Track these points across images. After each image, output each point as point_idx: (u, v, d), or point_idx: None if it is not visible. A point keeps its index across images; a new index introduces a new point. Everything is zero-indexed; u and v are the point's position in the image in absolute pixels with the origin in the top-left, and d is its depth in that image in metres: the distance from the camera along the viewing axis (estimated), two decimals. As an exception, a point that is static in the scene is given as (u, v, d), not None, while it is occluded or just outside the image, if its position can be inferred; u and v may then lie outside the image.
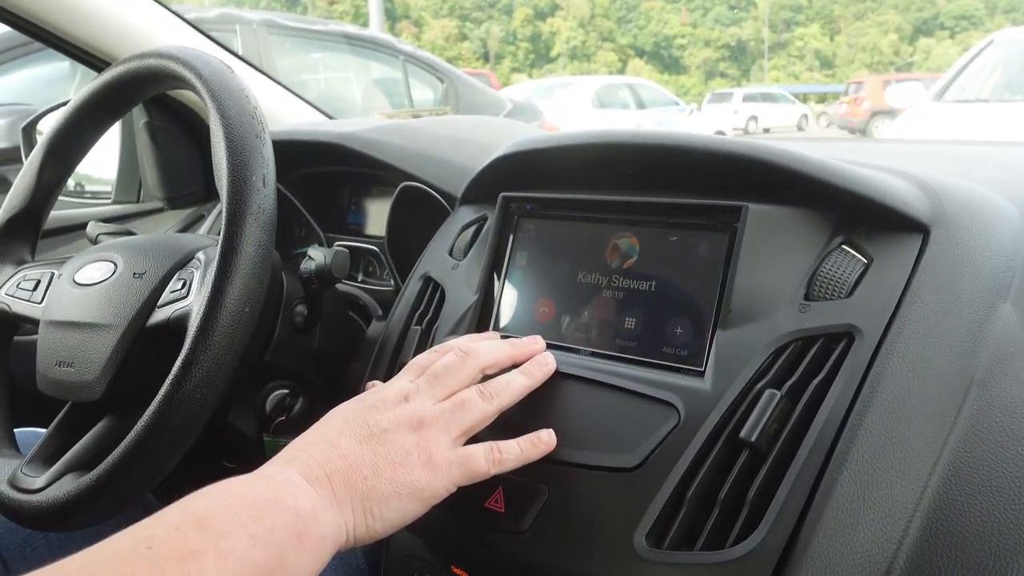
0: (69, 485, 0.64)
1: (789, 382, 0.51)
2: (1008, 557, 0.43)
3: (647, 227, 0.61)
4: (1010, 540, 0.43)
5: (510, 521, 0.54)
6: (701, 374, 0.54)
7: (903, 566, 0.45)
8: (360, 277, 1.05)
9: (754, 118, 19.49)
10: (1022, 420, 0.47)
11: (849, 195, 0.56)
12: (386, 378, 0.69)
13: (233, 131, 0.65)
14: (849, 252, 0.55)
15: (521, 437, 0.54)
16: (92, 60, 1.11)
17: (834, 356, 0.51)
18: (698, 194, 0.60)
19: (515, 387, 0.55)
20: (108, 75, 0.79)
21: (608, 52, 50.50)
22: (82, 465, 0.68)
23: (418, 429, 0.50)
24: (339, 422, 0.51)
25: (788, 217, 0.57)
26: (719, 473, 0.50)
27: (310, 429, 0.52)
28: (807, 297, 0.54)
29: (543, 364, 0.58)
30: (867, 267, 0.54)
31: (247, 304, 0.62)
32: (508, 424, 0.56)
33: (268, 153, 0.66)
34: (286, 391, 0.81)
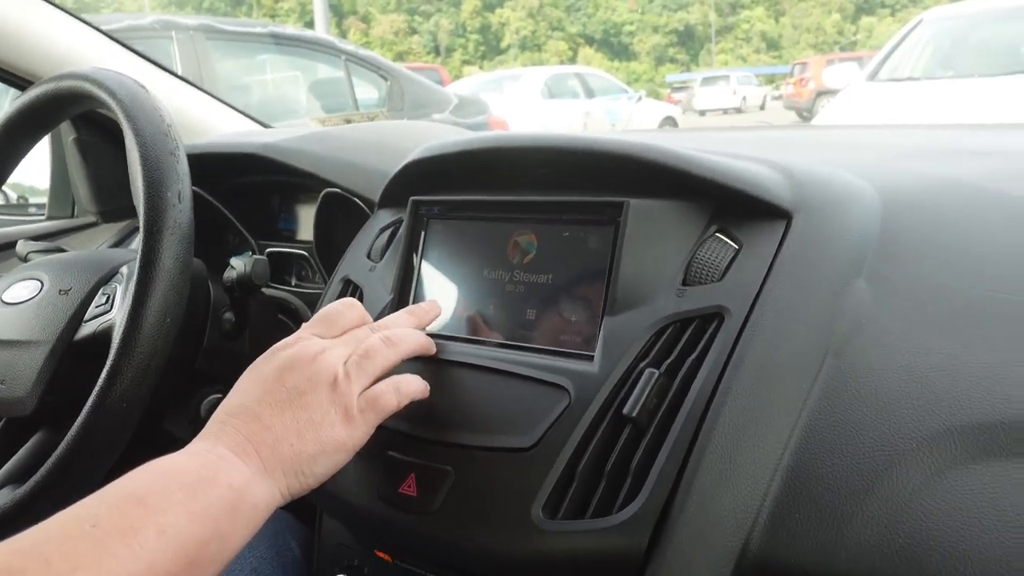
0: (4, 498, 0.67)
1: (667, 361, 0.56)
2: (851, 507, 0.48)
3: (543, 224, 0.66)
4: (853, 492, 0.49)
5: (422, 504, 0.59)
6: (591, 358, 0.59)
7: (765, 519, 0.50)
8: (294, 281, 1.08)
9: (744, 97, 22.23)
10: (869, 382, 0.53)
11: (720, 187, 0.61)
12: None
13: (147, 149, 0.68)
14: (721, 239, 0.61)
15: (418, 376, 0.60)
16: (15, 80, 1.12)
17: (707, 335, 0.56)
18: (588, 192, 0.64)
19: (413, 335, 0.60)
20: (28, 97, 0.81)
21: (558, 41, 50.59)
22: (17, 478, 0.71)
23: (333, 385, 0.53)
24: (258, 387, 0.53)
25: (666, 209, 0.62)
26: (606, 447, 0.55)
27: (231, 392, 0.54)
28: (684, 282, 0.59)
29: (430, 309, 0.65)
30: (737, 252, 0.60)
31: (167, 315, 0.65)
32: (420, 412, 0.60)
33: (183, 169, 0.69)
34: (219, 395, 0.84)
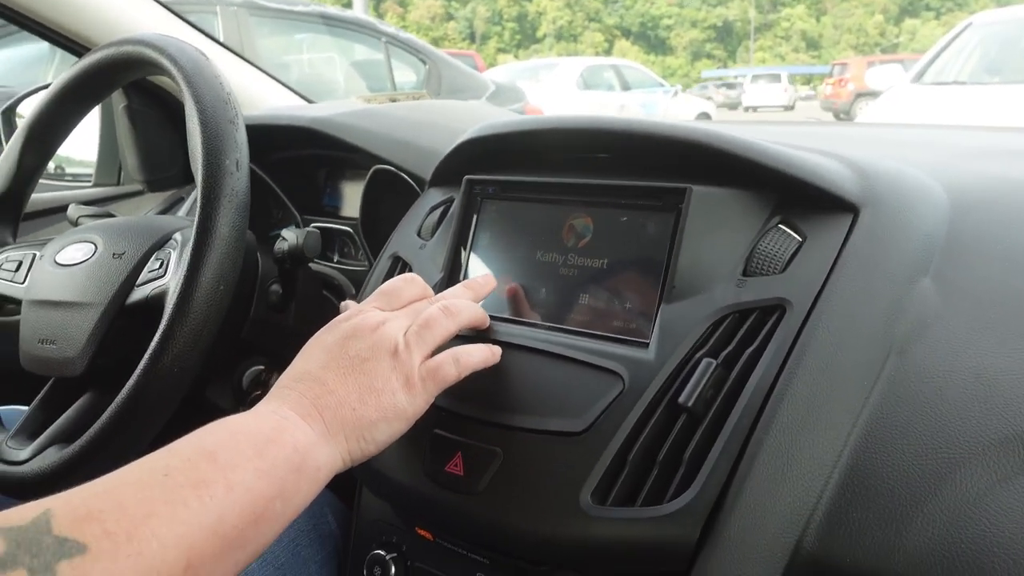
0: (52, 456, 0.68)
1: (725, 351, 0.55)
2: (911, 509, 0.47)
3: (600, 208, 0.65)
4: (914, 494, 0.48)
5: (468, 483, 0.58)
6: (646, 345, 0.58)
7: (821, 517, 0.49)
8: (336, 258, 1.08)
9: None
10: (933, 383, 0.51)
11: (786, 177, 0.59)
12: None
13: (207, 116, 0.68)
14: (785, 231, 0.59)
15: (482, 344, 0.60)
16: (71, 45, 1.13)
17: (767, 327, 0.55)
18: (647, 176, 0.63)
19: (470, 306, 0.61)
20: (86, 61, 0.81)
21: (595, 33, 50.26)
22: (65, 438, 0.71)
23: (394, 354, 0.54)
24: (322, 354, 0.55)
25: (729, 198, 0.61)
26: (659, 436, 0.54)
27: (296, 360, 0.56)
28: (745, 273, 0.58)
29: (486, 283, 0.65)
30: (801, 245, 0.58)
31: (221, 282, 0.65)
32: (469, 391, 0.60)
33: (241, 138, 0.69)
34: (262, 367, 0.85)
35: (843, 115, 14.74)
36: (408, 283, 0.61)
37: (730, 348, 0.55)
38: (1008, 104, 3.73)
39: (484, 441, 0.59)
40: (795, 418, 0.51)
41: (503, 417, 0.59)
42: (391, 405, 0.53)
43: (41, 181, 0.91)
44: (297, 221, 1.09)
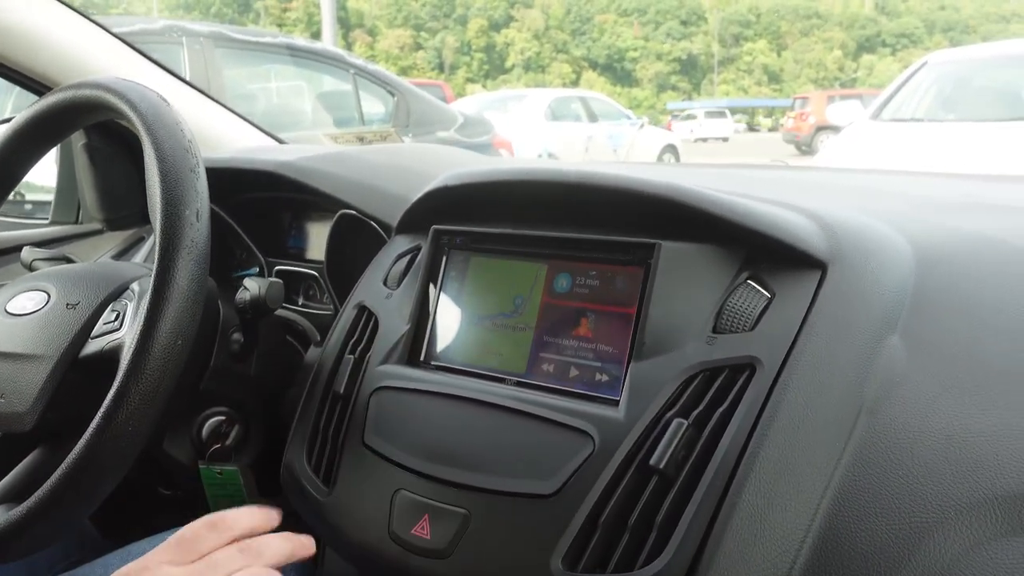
0: (0, 517, 0.65)
1: (696, 411, 0.55)
2: (887, 573, 0.47)
3: (569, 261, 0.64)
4: (887, 559, 0.47)
5: (436, 547, 0.57)
6: (616, 403, 0.57)
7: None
8: (301, 301, 1.06)
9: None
10: (904, 444, 0.51)
11: (754, 234, 0.59)
12: (319, 406, 0.71)
13: (167, 166, 0.66)
14: (754, 287, 0.59)
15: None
16: (31, 84, 1.11)
17: (737, 386, 0.55)
18: (618, 230, 0.63)
19: (275, 546, 0.55)
20: (45, 103, 0.79)
21: (562, 64, 50.95)
22: (13, 496, 0.68)
23: None
24: None
25: (698, 253, 0.60)
26: (631, 498, 0.53)
27: None
28: (715, 330, 0.58)
29: (307, 545, 0.57)
30: (770, 301, 0.58)
31: (179, 337, 0.63)
32: (435, 450, 0.58)
33: (202, 187, 0.67)
34: (222, 418, 0.82)
35: (805, 147, 15.06)
36: (208, 530, 0.54)
37: (701, 408, 0.55)
38: (962, 141, 3.85)
39: (451, 502, 0.57)
40: (767, 480, 0.51)
41: (470, 478, 0.58)
42: None
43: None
44: (261, 264, 1.07)
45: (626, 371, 0.58)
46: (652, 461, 0.53)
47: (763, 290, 0.59)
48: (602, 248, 0.63)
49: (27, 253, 0.91)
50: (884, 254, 0.62)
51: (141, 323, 0.62)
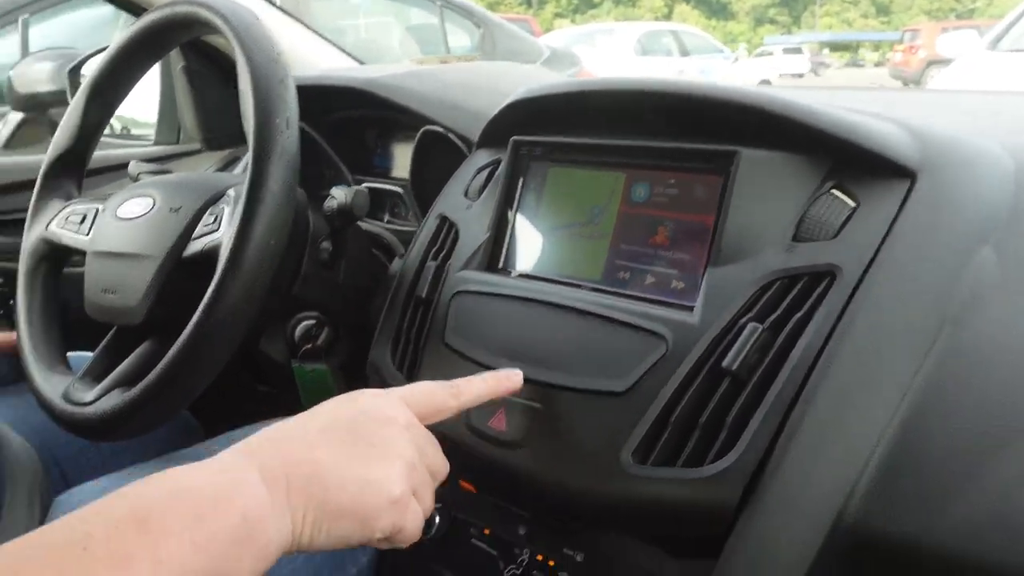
0: (115, 399, 0.71)
1: (772, 317, 0.54)
2: (957, 484, 0.46)
3: (648, 170, 0.64)
4: (961, 469, 0.47)
5: (510, 438, 0.59)
6: (691, 309, 0.58)
7: (865, 488, 0.49)
8: (386, 217, 1.09)
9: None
10: (988, 357, 0.50)
11: (839, 141, 0.58)
12: (403, 309, 0.73)
13: (258, 76, 0.69)
14: (837, 196, 0.58)
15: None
16: (130, 6, 1.15)
17: (816, 293, 0.54)
18: (697, 139, 0.62)
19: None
20: (143, 21, 0.83)
21: (654, -3, 49.17)
22: (126, 382, 0.74)
23: (408, 464, 0.48)
24: (325, 418, 0.48)
25: (780, 162, 0.59)
26: (702, 398, 0.54)
27: (294, 418, 0.49)
28: (795, 238, 0.57)
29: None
30: (854, 210, 0.57)
31: (272, 236, 0.67)
32: (510, 349, 0.61)
33: (291, 97, 0.70)
34: (312, 321, 0.87)
35: (912, 84, 14.17)
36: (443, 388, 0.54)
37: (777, 313, 0.55)
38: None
39: (526, 397, 0.60)
40: (842, 386, 0.51)
41: (545, 375, 0.60)
42: (372, 505, 0.45)
43: (107, 140, 0.94)
44: (348, 181, 1.10)
45: (702, 277, 0.59)
46: (725, 363, 0.53)
47: (847, 199, 0.58)
48: (681, 156, 0.62)
49: (134, 167, 0.97)
50: (981, 166, 0.59)
51: (237, 224, 0.66)
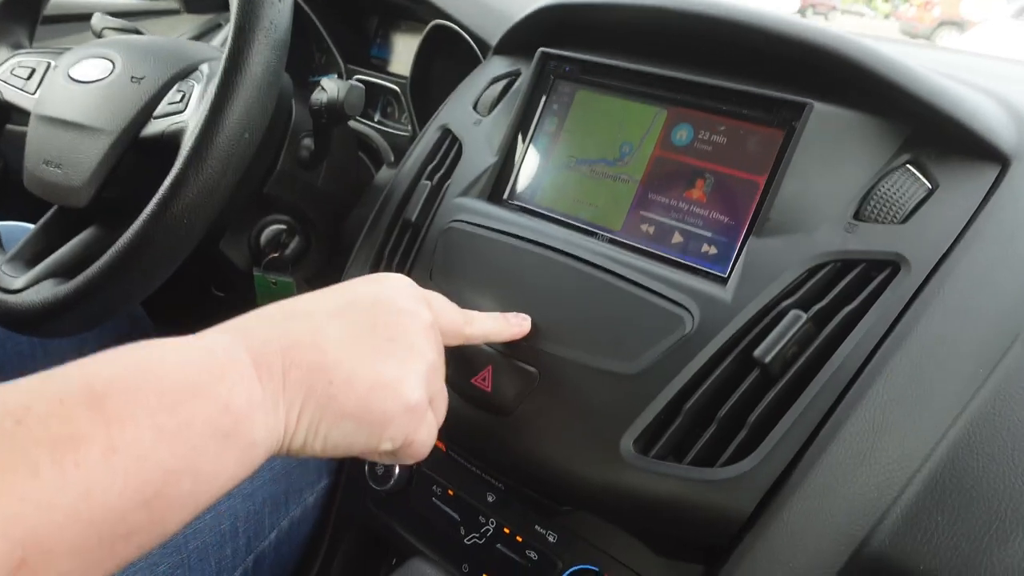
0: (46, 292, 0.62)
1: (818, 305, 0.47)
2: (1011, 525, 0.40)
3: (695, 110, 0.55)
4: (1017, 507, 0.40)
5: (495, 401, 0.52)
6: (724, 281, 0.50)
7: (900, 513, 0.42)
8: (377, 117, 0.99)
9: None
10: (1062, 386, 0.43)
11: (927, 107, 0.49)
12: (387, 231, 0.65)
13: None
14: (913, 173, 0.50)
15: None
16: None
17: (873, 285, 0.47)
18: (760, 81, 0.53)
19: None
20: None
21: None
22: (63, 272, 0.65)
23: (430, 363, 0.41)
24: (340, 300, 0.40)
25: (854, 122, 0.50)
26: (723, 389, 0.47)
27: (305, 294, 0.41)
28: (857, 216, 0.49)
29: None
30: (930, 193, 0.49)
31: (246, 129, 0.57)
32: (514, 302, 0.53)
33: None
34: (283, 227, 0.77)
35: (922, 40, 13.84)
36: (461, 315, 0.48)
37: (824, 302, 0.47)
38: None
39: (520, 358, 0.52)
40: (890, 396, 0.44)
41: (546, 343, 0.52)
42: (380, 410, 0.38)
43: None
44: (340, 70, 0.99)
45: (741, 246, 0.50)
46: (757, 353, 0.46)
47: (924, 179, 0.49)
48: (740, 100, 0.53)
49: (97, 20, 0.85)
50: (1082, 159, 0.51)
51: (207, 108, 0.56)
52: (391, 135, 0.93)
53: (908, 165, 0.50)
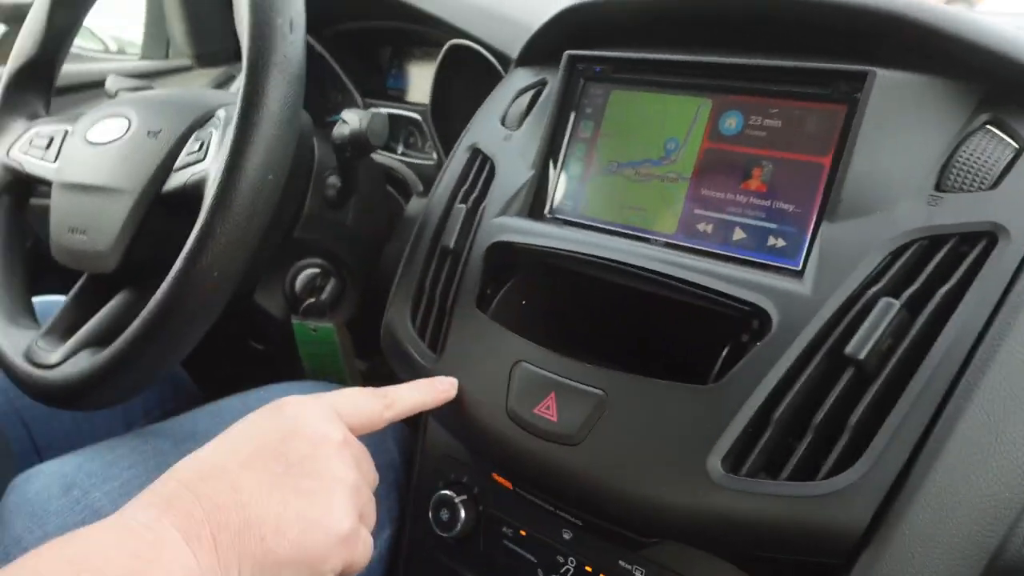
0: (83, 362, 0.60)
1: (909, 290, 0.42)
2: None
3: (742, 96, 0.51)
4: None
5: (562, 431, 0.48)
6: (800, 274, 0.46)
7: (1038, 512, 0.38)
8: (400, 149, 0.96)
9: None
10: None
11: (1003, 61, 0.45)
12: (425, 261, 0.61)
13: None
14: (995, 134, 0.45)
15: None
16: None
17: (969, 261, 0.42)
18: (808, 56, 0.49)
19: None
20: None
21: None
22: (98, 340, 0.63)
23: (351, 485, 0.41)
24: (247, 448, 0.40)
25: (922, 87, 0.46)
26: (815, 393, 0.42)
27: (206, 446, 0.41)
28: (939, 187, 0.45)
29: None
30: (1018, 153, 0.44)
31: (270, 170, 0.54)
32: (566, 322, 0.49)
33: None
34: (317, 270, 0.75)
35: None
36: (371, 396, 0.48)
37: (916, 286, 0.42)
38: None
39: (584, 381, 0.48)
40: (1009, 383, 0.39)
41: (612, 363, 0.48)
42: (319, 547, 0.38)
43: (93, 57, 0.80)
44: (359, 104, 0.96)
45: (813, 234, 0.46)
46: (848, 350, 0.41)
47: (1008, 138, 0.45)
48: (792, 78, 0.49)
49: (112, 82, 0.84)
50: None
51: (227, 153, 0.53)
52: (417, 166, 0.90)
53: (988, 126, 0.45)
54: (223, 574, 0.36)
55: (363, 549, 0.42)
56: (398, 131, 0.96)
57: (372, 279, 0.77)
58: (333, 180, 0.72)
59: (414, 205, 0.81)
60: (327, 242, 0.74)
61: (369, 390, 0.48)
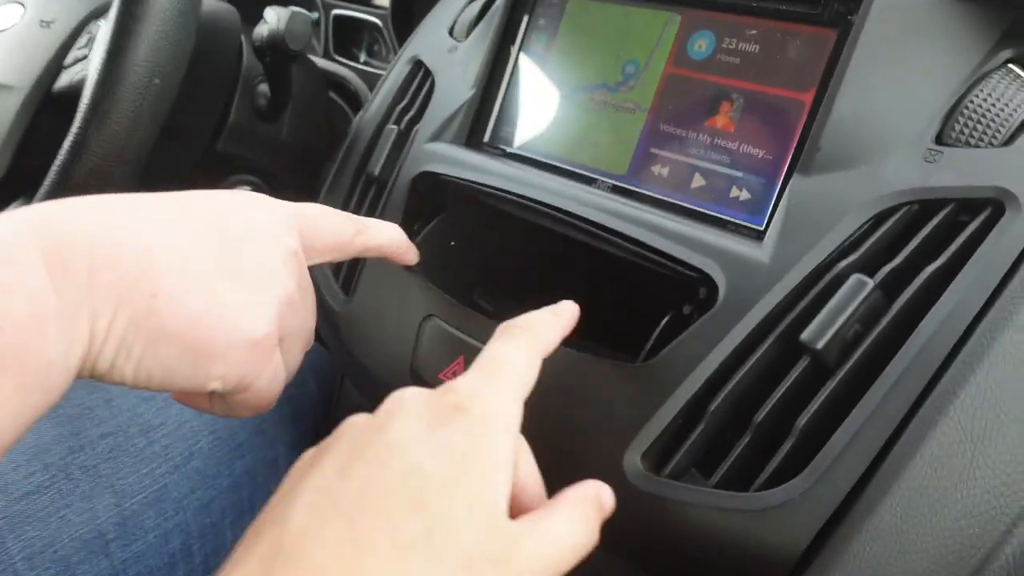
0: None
1: (888, 267, 0.34)
2: None
3: (716, 11, 0.42)
4: None
5: (469, 402, 0.41)
6: (759, 236, 0.38)
7: (1017, 549, 0.31)
8: (363, 57, 0.87)
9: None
10: None
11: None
12: (349, 188, 0.54)
13: None
14: (1018, 75, 0.36)
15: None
16: None
17: (966, 234, 0.34)
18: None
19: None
20: None
21: None
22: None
23: (284, 304, 0.33)
24: (186, 207, 0.32)
25: (931, 11, 0.37)
26: (760, 384, 0.35)
27: (141, 195, 0.32)
28: (939, 140, 0.36)
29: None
30: (1044, 102, 0.35)
31: (155, 74, 0.46)
32: (488, 275, 0.41)
33: None
34: (247, 188, 0.67)
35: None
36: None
37: (898, 262, 0.34)
38: None
39: (498, 348, 0.41)
40: (998, 388, 0.31)
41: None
42: (219, 339, 0.30)
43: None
44: (317, 6, 0.87)
45: (782, 188, 0.38)
46: (805, 336, 0.34)
47: (1034, 82, 0.36)
48: (774, -9, 0.40)
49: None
50: None
51: (104, 51, 0.45)
52: (374, 76, 0.81)
53: (1010, 64, 0.37)
54: (90, 317, 0.28)
55: (270, 375, 0.33)
56: (361, 36, 0.86)
57: (309, 197, 0.69)
58: (263, 88, 0.64)
59: (356, 123, 0.73)
60: (257, 157, 0.66)
61: (342, 212, 0.39)
